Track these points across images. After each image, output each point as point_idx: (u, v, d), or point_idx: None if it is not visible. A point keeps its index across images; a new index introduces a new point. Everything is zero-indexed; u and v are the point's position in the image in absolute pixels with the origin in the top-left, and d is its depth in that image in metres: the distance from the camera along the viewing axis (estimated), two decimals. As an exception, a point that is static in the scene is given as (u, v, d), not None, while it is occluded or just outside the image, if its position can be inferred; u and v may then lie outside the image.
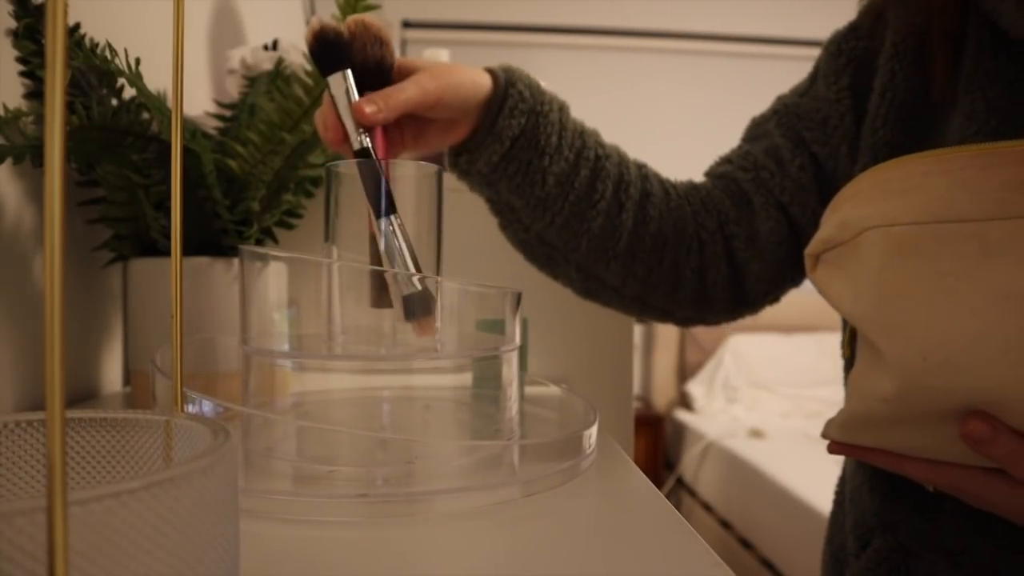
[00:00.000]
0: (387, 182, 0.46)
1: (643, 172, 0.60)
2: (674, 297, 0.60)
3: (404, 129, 0.52)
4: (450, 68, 0.50)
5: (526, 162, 0.53)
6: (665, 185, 0.61)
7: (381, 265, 0.46)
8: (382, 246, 0.46)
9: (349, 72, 0.47)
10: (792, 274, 0.61)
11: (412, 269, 0.46)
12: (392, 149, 0.51)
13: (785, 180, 0.58)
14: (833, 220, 0.41)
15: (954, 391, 0.35)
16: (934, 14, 0.49)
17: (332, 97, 0.47)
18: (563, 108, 0.55)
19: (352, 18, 0.48)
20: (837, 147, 0.56)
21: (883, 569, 0.49)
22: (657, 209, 0.58)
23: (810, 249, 0.43)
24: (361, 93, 0.47)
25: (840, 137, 0.56)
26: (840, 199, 0.41)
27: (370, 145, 0.47)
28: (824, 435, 0.44)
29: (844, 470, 0.60)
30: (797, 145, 0.58)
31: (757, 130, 0.63)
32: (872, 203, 0.38)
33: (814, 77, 0.60)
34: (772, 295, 0.62)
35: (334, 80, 0.47)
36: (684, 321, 0.64)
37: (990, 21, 0.47)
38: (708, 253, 0.60)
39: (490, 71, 0.52)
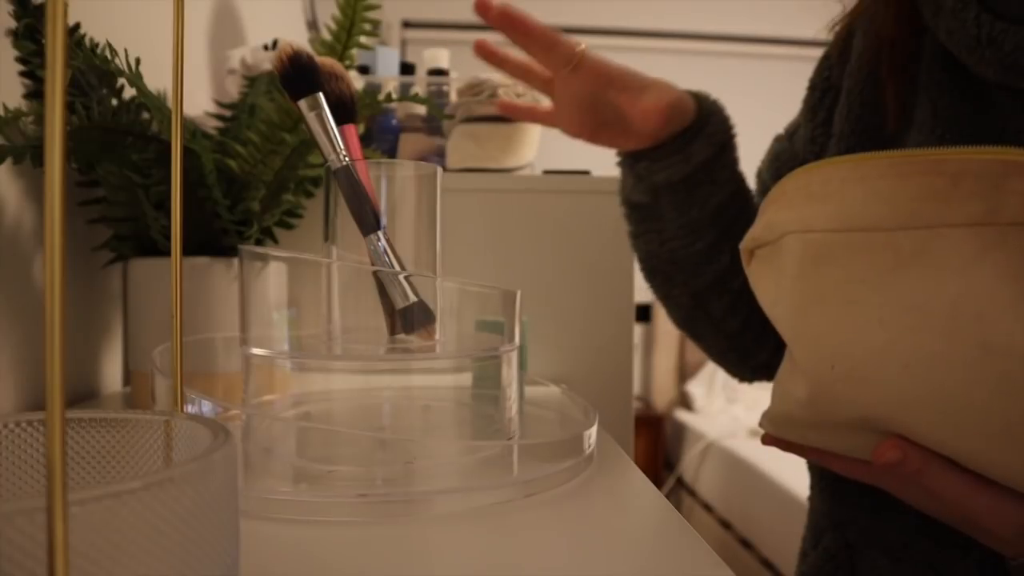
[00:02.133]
0: (370, 197, 0.47)
1: None
2: (761, 340, 0.62)
3: (585, 118, 0.55)
4: (667, 85, 0.54)
5: (696, 185, 0.56)
6: None
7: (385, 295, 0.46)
8: (374, 264, 0.46)
9: (321, 95, 0.47)
10: None
11: (406, 285, 0.46)
12: (572, 129, 0.57)
13: None
14: (762, 220, 0.41)
15: (858, 401, 0.35)
16: (888, 39, 0.50)
17: (306, 120, 0.47)
18: (736, 143, 0.59)
19: (302, 49, 0.48)
20: None
21: (830, 567, 0.52)
22: None
23: (743, 244, 0.43)
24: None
25: None
26: (769, 198, 0.41)
27: (350, 163, 0.47)
28: (760, 425, 0.44)
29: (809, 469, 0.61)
30: None
31: (763, 181, 0.64)
32: (793, 207, 0.38)
33: (801, 114, 0.61)
34: None
35: (307, 103, 0.47)
36: (755, 369, 0.65)
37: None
38: None
39: (694, 95, 0.56)
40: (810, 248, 0.36)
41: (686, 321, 0.63)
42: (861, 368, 0.34)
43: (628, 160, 0.58)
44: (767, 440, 0.44)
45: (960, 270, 0.31)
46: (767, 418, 0.43)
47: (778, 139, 0.63)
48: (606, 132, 0.56)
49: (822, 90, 0.56)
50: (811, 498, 0.58)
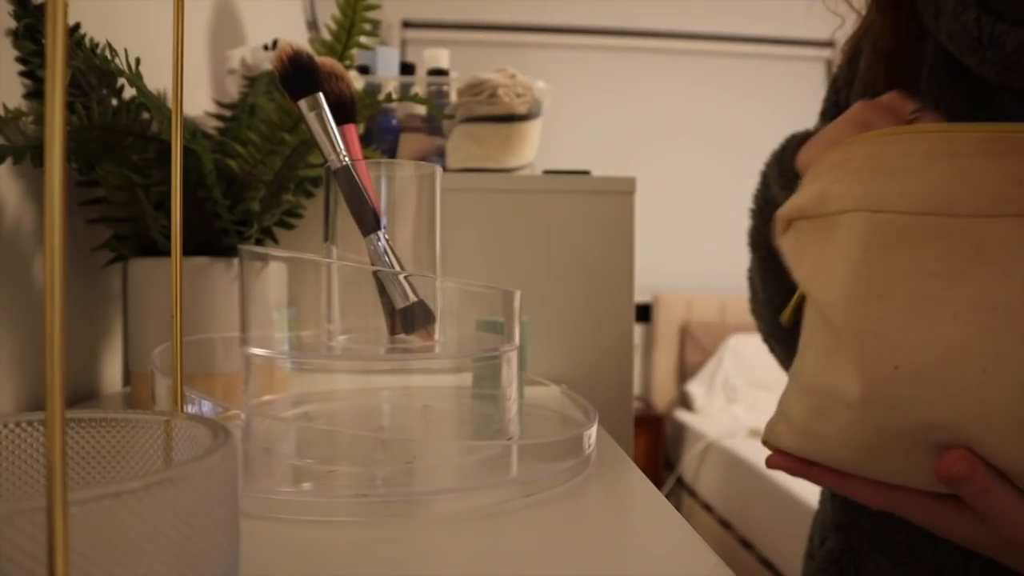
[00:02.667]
0: (369, 197, 0.46)
1: None
2: None
3: None
4: None
5: None
6: None
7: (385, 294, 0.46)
8: (374, 264, 0.46)
9: (321, 95, 0.47)
10: None
11: (406, 285, 0.46)
12: None
13: None
14: (813, 188, 0.36)
15: (924, 407, 0.31)
16: (882, 49, 0.49)
17: (306, 120, 0.47)
18: None
19: (302, 49, 0.48)
20: None
21: (833, 570, 0.51)
22: None
23: (782, 212, 0.38)
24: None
25: None
26: (824, 164, 0.35)
27: (350, 163, 0.47)
28: (765, 440, 0.39)
29: None
30: None
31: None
32: (859, 180, 0.33)
33: None
34: None
35: (307, 103, 0.47)
36: None
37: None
38: None
39: None
40: (879, 230, 0.31)
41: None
42: (931, 371, 0.30)
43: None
44: (772, 462, 0.38)
45: None
46: (783, 423, 0.37)
47: None
48: None
49: (831, 116, 0.55)
50: (821, 500, 0.58)
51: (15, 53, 0.56)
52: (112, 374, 0.74)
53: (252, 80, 0.84)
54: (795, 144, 0.49)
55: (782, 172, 0.49)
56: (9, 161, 0.51)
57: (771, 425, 0.38)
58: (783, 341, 0.58)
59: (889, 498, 0.35)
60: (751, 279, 0.59)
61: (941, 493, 0.33)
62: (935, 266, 0.30)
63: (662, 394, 3.08)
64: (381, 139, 1.00)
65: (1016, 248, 0.29)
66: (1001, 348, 0.29)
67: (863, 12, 0.54)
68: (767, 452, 0.40)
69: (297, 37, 1.45)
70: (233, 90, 0.90)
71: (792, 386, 0.37)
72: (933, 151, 0.31)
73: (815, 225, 0.36)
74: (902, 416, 0.31)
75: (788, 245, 0.38)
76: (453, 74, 1.11)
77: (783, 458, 0.38)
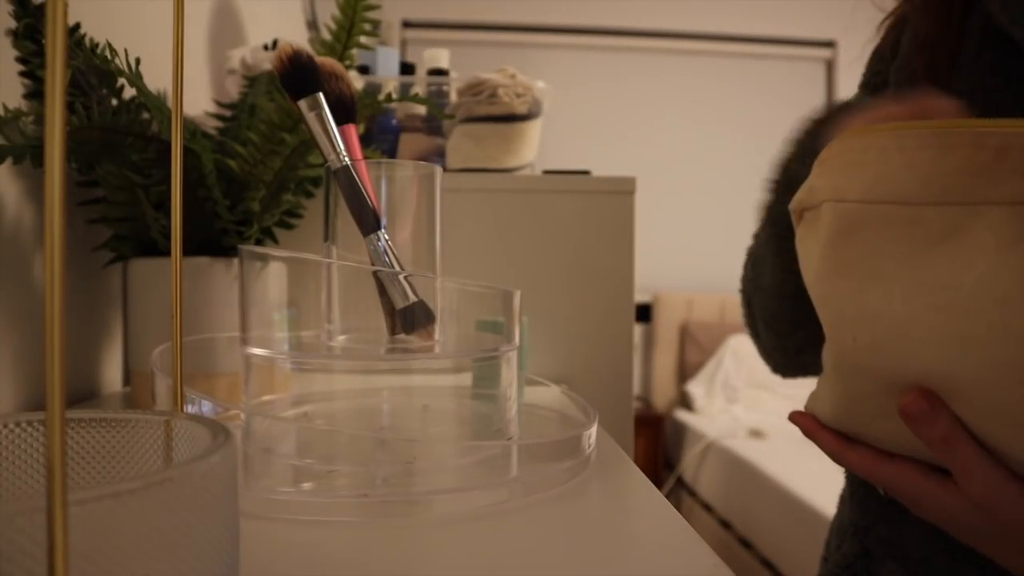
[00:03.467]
0: (370, 197, 0.46)
1: None
2: None
3: None
4: None
5: None
6: None
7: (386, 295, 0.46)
8: (374, 264, 0.46)
9: (321, 95, 0.47)
10: None
11: (406, 285, 0.46)
12: None
13: None
14: (807, 182, 0.40)
15: (881, 374, 0.35)
16: (924, 38, 0.48)
17: (306, 119, 0.47)
18: None
19: (302, 49, 0.48)
20: None
21: (847, 574, 0.51)
22: None
23: (791, 206, 0.42)
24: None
25: None
26: (818, 160, 0.40)
27: (350, 163, 0.47)
28: (806, 406, 0.43)
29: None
30: None
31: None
32: (832, 173, 0.37)
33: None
34: None
35: (306, 103, 0.46)
36: None
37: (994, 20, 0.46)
38: None
39: None
40: (841, 218, 0.35)
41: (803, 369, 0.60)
42: (882, 341, 0.34)
43: None
44: (793, 416, 0.42)
45: (993, 251, 0.31)
46: (812, 393, 0.42)
47: None
48: None
49: (874, 85, 0.55)
50: (840, 497, 0.57)
51: (15, 53, 0.56)
52: (112, 374, 0.74)
53: (252, 80, 0.84)
54: (825, 119, 0.50)
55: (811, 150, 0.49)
56: (9, 161, 0.51)
57: (810, 395, 0.43)
58: (774, 327, 0.58)
59: (883, 469, 0.37)
60: (758, 258, 0.58)
61: (933, 468, 0.36)
62: (889, 249, 0.34)
63: (662, 394, 3.08)
64: (381, 139, 1.00)
65: (962, 235, 0.32)
66: (941, 324, 0.32)
67: None
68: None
69: (297, 37, 1.45)
70: (233, 90, 0.90)
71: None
72: (887, 147, 0.34)
73: (809, 215, 0.40)
74: (865, 381, 0.36)
75: (798, 234, 0.42)
76: (453, 74, 1.11)
77: (801, 416, 0.42)
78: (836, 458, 0.40)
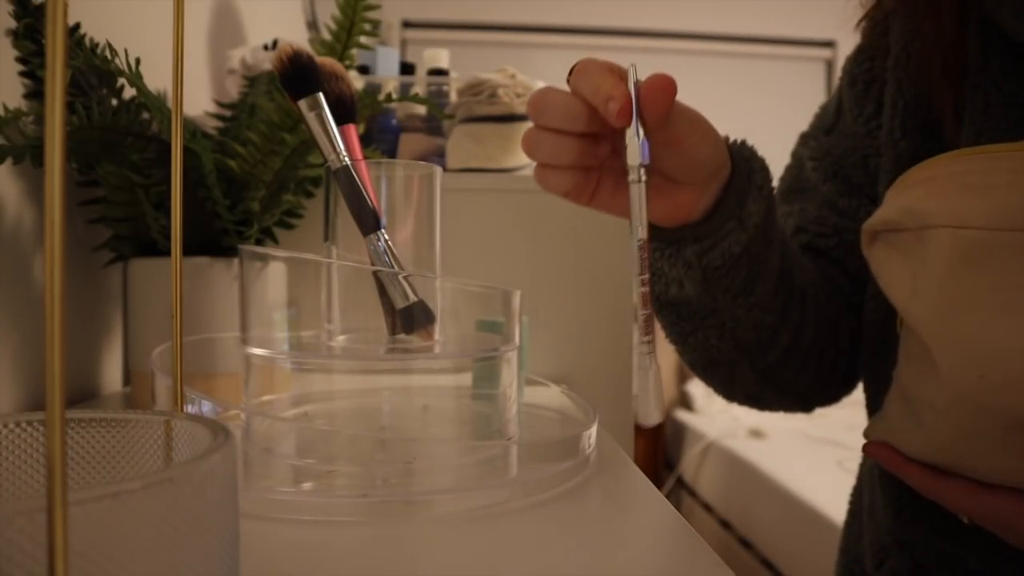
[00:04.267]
0: (370, 197, 0.46)
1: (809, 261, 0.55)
2: (823, 394, 0.58)
3: (605, 178, 0.43)
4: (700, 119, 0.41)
5: (758, 252, 0.45)
6: (823, 274, 0.56)
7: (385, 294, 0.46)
8: (373, 265, 0.46)
9: (321, 95, 0.47)
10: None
11: (406, 285, 0.46)
12: (594, 198, 0.44)
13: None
14: (899, 202, 0.37)
15: (1012, 411, 0.32)
16: (935, 42, 0.47)
17: (306, 120, 0.47)
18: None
19: (303, 49, 0.48)
20: (882, 182, 0.53)
21: None
22: (814, 288, 0.53)
23: (868, 225, 0.39)
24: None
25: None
26: (910, 179, 0.37)
27: (350, 163, 0.47)
28: (866, 434, 0.41)
29: (859, 479, 0.58)
30: (851, 191, 0.55)
31: (798, 182, 0.58)
32: (945, 196, 0.34)
33: (838, 111, 0.57)
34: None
35: (306, 103, 0.46)
36: (827, 400, 0.60)
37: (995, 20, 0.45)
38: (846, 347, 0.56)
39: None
40: (964, 246, 0.33)
41: (753, 399, 0.57)
42: (1018, 379, 0.31)
43: (670, 249, 0.46)
44: (871, 450, 0.40)
45: None
46: (881, 421, 0.39)
47: (809, 137, 0.58)
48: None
49: (865, 82, 0.53)
50: (867, 514, 0.53)
51: (15, 53, 0.56)
52: (112, 374, 0.74)
53: (252, 80, 0.84)
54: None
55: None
56: (9, 161, 0.51)
57: (872, 421, 0.40)
58: (726, 364, 0.53)
59: (986, 502, 0.35)
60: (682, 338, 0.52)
61: None
62: (1021, 280, 0.31)
63: (662, 394, 3.08)
64: (381, 139, 1.00)
65: None
66: None
67: None
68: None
69: (297, 37, 1.45)
70: (233, 90, 0.90)
71: (893, 389, 0.39)
72: (1018, 168, 0.32)
73: (901, 238, 0.37)
74: (988, 419, 0.33)
75: (876, 257, 0.39)
76: (453, 74, 1.11)
77: (881, 448, 0.39)
78: (926, 492, 0.38)
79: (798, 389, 0.55)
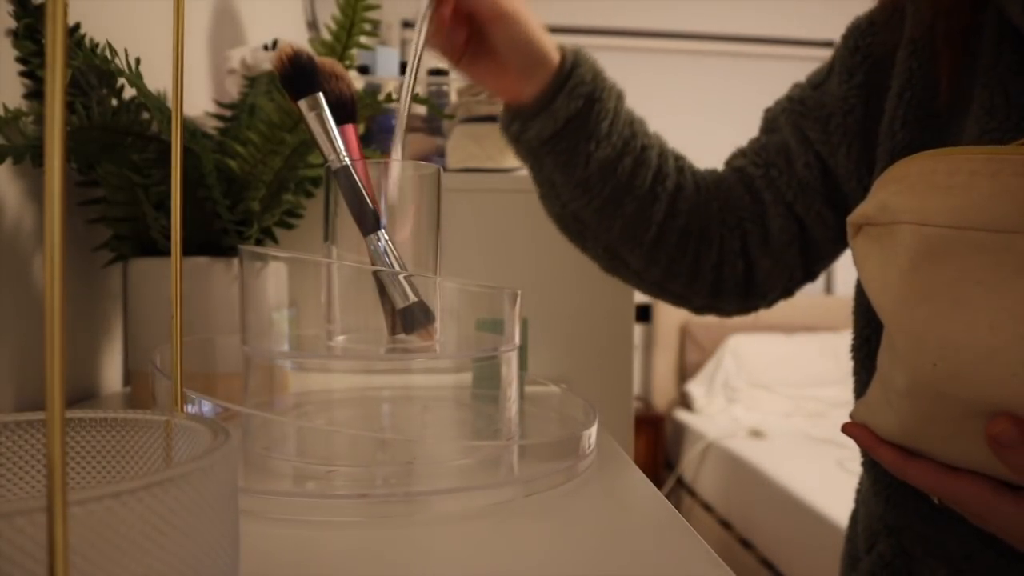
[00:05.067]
0: (370, 197, 0.46)
1: (679, 164, 0.61)
2: (691, 287, 0.61)
3: (464, 44, 0.53)
4: (532, 17, 0.51)
5: (574, 143, 0.54)
6: (696, 178, 0.61)
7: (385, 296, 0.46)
8: (373, 265, 0.46)
9: (321, 95, 0.47)
10: (805, 272, 0.61)
11: (406, 285, 0.46)
12: (449, 52, 0.53)
13: (792, 179, 0.58)
14: (876, 198, 0.39)
15: (962, 400, 0.34)
16: (944, 9, 0.48)
17: (306, 120, 0.47)
18: (620, 97, 0.57)
19: (303, 49, 0.48)
20: (836, 147, 0.55)
21: (886, 573, 0.49)
22: (687, 203, 0.59)
23: (852, 218, 0.41)
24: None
25: (840, 137, 0.55)
26: (888, 177, 0.39)
27: (349, 163, 0.47)
28: (851, 416, 0.43)
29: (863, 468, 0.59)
30: (802, 143, 0.58)
31: (772, 122, 0.63)
32: (913, 194, 0.36)
33: (831, 68, 0.59)
34: (785, 291, 0.63)
35: (307, 103, 0.47)
36: (699, 309, 0.65)
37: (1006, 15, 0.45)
38: (726, 249, 0.61)
39: (560, 48, 0.54)
40: (925, 242, 0.34)
41: (610, 271, 0.63)
42: (967, 369, 0.33)
43: (503, 122, 0.57)
44: (847, 428, 0.42)
45: None
46: (863, 403, 0.41)
47: (798, 86, 0.62)
48: (478, 65, 0.53)
49: (863, 55, 0.55)
50: (861, 500, 0.55)
51: (15, 53, 0.56)
52: (112, 374, 0.74)
53: (252, 80, 0.84)
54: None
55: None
56: (9, 161, 0.51)
57: (857, 404, 0.42)
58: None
59: (948, 484, 0.37)
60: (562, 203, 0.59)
61: (1001, 483, 0.36)
62: (977, 276, 0.33)
63: (662, 394, 3.08)
64: (381, 139, 1.00)
65: None
66: None
67: None
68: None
69: (297, 37, 1.45)
70: (233, 90, 0.90)
71: (876, 372, 0.42)
72: (978, 170, 0.33)
73: (879, 232, 0.39)
74: (942, 406, 0.35)
75: (858, 248, 0.41)
76: (453, 74, 1.11)
77: (857, 428, 0.41)
78: (897, 472, 0.40)
79: (652, 279, 0.62)
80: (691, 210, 0.59)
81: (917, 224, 0.35)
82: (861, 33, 0.56)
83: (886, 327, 0.38)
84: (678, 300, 0.64)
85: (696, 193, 0.60)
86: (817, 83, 0.60)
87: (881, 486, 0.51)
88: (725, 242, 0.60)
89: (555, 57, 0.53)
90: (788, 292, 0.63)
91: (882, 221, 0.38)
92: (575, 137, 0.54)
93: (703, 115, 3.21)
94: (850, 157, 0.54)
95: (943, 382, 0.34)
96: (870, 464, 0.53)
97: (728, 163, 0.65)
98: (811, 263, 0.61)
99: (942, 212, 0.34)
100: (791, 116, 0.60)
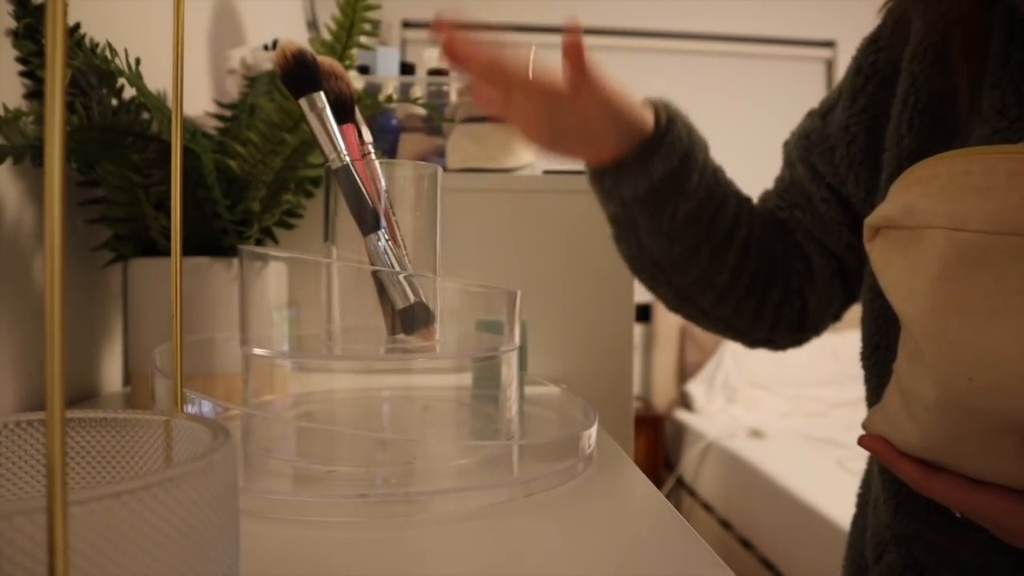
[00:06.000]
0: (370, 196, 0.46)
1: (748, 207, 0.61)
2: (754, 323, 0.62)
3: (540, 126, 0.52)
4: (623, 86, 0.52)
5: (666, 197, 0.55)
6: (764, 221, 0.62)
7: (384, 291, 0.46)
8: (374, 264, 0.46)
9: (322, 94, 0.47)
10: (847, 297, 0.62)
11: (406, 285, 0.46)
12: (530, 132, 0.53)
13: (815, 217, 0.59)
14: (899, 200, 0.37)
15: (1001, 414, 0.32)
16: (958, 17, 0.47)
17: (307, 118, 0.47)
18: (706, 148, 0.58)
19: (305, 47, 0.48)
20: (845, 178, 0.55)
21: None
22: (757, 248, 0.60)
23: (870, 220, 0.39)
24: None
25: (846, 168, 0.55)
26: (912, 177, 0.36)
27: (350, 162, 0.47)
28: (864, 426, 0.41)
29: (867, 473, 0.58)
30: (814, 179, 0.59)
31: (788, 156, 0.63)
32: (944, 196, 0.33)
33: (839, 92, 0.59)
34: (834, 317, 0.64)
35: (307, 102, 0.47)
36: (755, 343, 0.66)
37: (1018, 14, 0.44)
38: (787, 288, 0.62)
39: (651, 104, 0.55)
40: (959, 249, 0.32)
41: (674, 309, 0.64)
42: (1009, 382, 0.31)
43: (594, 176, 0.58)
44: (865, 442, 0.41)
45: None
46: (879, 413, 0.39)
47: (810, 115, 0.61)
48: (565, 141, 0.54)
49: (867, 76, 0.54)
50: (869, 508, 0.54)
51: (15, 53, 0.56)
52: (112, 374, 0.74)
53: (252, 80, 0.84)
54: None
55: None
56: (9, 161, 0.51)
57: (871, 413, 0.41)
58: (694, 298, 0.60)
59: (976, 500, 0.36)
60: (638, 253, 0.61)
61: None
62: (1017, 284, 0.31)
63: (662, 394, 3.08)
64: (381, 139, 1.00)
65: None
66: None
67: None
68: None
69: (297, 37, 1.45)
70: (233, 90, 0.90)
71: (893, 381, 0.40)
72: (1019, 171, 0.31)
73: (902, 236, 0.37)
74: (976, 420, 0.33)
75: (877, 252, 0.39)
76: (453, 74, 1.11)
77: (876, 442, 0.40)
78: (920, 488, 0.38)
79: (718, 318, 0.63)
80: (760, 254, 0.60)
81: (950, 229, 0.33)
82: (864, 53, 0.56)
83: (913, 337, 0.36)
84: (738, 335, 0.65)
85: (763, 236, 0.61)
86: (826, 110, 0.60)
87: (890, 494, 0.49)
88: (787, 281, 0.62)
89: (648, 116, 0.53)
90: (836, 318, 0.64)
91: (907, 225, 0.36)
92: (668, 192, 0.55)
93: (703, 115, 3.21)
94: (859, 185, 0.54)
95: (979, 396, 0.32)
96: (879, 471, 0.51)
97: (761, 203, 0.65)
98: (852, 287, 0.61)
99: (978, 216, 0.32)
100: (801, 152, 0.60)
